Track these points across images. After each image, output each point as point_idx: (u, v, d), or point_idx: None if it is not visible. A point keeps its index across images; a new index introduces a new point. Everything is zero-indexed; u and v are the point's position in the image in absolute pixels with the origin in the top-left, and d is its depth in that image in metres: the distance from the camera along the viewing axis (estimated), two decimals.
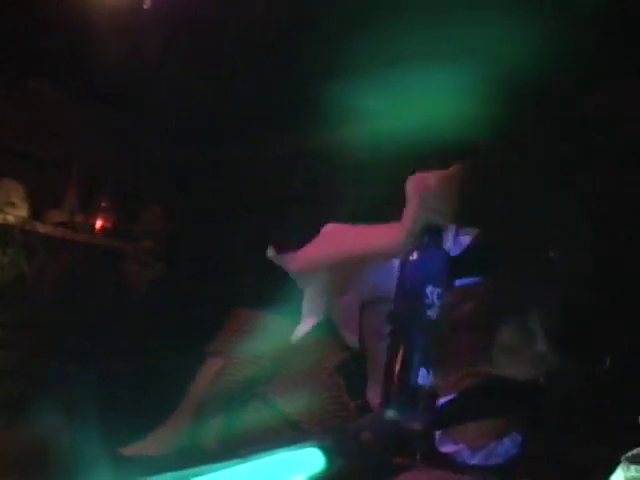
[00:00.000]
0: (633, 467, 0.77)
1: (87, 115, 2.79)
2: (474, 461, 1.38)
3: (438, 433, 1.43)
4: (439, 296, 1.20)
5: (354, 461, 1.15)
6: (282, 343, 1.70)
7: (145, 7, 2.05)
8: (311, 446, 1.11)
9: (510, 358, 1.37)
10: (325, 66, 2.28)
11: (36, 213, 2.66)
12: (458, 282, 1.34)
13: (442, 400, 1.42)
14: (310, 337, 1.56)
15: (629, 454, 0.80)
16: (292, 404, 1.67)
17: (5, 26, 2.32)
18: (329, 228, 1.54)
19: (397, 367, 1.18)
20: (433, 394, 1.22)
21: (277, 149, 2.89)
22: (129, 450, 1.66)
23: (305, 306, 1.49)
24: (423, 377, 1.17)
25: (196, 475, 0.95)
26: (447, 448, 1.44)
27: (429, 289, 1.20)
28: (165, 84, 2.52)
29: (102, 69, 2.38)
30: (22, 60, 2.47)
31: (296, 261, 1.50)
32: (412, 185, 1.36)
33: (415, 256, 1.24)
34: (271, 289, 1.71)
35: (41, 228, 2.62)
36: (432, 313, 1.19)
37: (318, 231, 1.55)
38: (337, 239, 1.51)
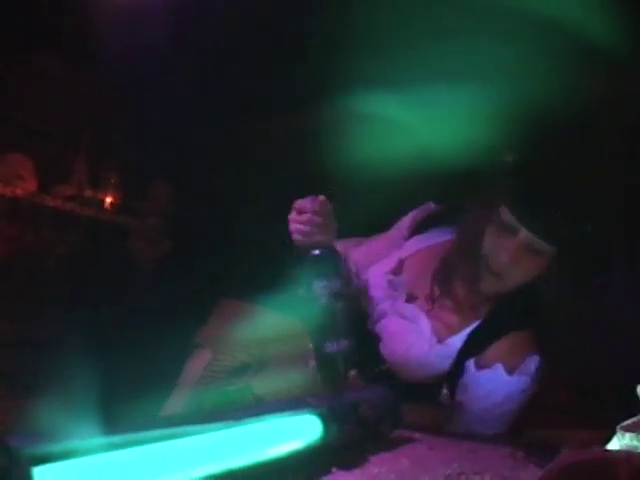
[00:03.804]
0: (627, 435, 0.80)
1: (97, 90, 2.80)
2: (512, 380, 1.46)
3: (472, 361, 1.51)
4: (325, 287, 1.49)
5: (352, 430, 1.15)
6: (268, 333, 1.80)
7: None
8: (308, 413, 1.12)
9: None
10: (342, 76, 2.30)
11: (45, 187, 2.68)
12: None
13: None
14: (291, 326, 1.67)
15: (624, 423, 0.83)
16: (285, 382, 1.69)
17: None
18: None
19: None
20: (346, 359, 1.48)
21: (292, 131, 2.89)
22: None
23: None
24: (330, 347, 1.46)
25: (192, 434, 0.95)
26: (484, 372, 1.49)
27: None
28: (175, 61, 2.52)
29: (111, 44, 2.38)
30: (31, 34, 2.47)
31: None
32: None
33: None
34: (258, 280, 1.78)
35: (50, 202, 2.64)
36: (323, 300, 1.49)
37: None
38: None
